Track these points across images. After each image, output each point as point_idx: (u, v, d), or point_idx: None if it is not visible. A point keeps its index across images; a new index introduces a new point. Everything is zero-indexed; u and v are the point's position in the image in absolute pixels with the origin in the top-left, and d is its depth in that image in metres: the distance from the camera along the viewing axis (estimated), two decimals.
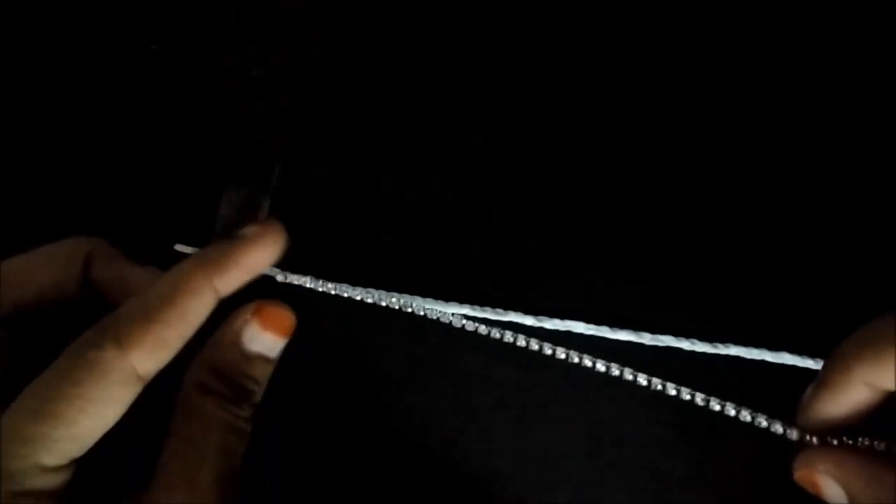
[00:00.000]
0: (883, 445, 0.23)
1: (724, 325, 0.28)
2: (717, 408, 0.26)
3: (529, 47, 0.30)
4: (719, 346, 0.28)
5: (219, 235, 0.30)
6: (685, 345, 0.28)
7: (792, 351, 0.27)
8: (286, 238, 0.26)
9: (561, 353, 0.27)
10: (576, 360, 0.27)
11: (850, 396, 0.22)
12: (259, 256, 0.25)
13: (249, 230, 0.26)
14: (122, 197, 0.31)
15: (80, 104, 0.31)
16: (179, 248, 0.30)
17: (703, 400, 0.26)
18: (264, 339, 0.25)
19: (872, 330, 0.22)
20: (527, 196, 0.30)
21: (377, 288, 0.29)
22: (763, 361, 0.27)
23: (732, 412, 0.25)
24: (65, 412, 0.21)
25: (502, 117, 0.30)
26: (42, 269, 0.25)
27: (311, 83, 0.31)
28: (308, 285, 0.29)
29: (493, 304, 0.29)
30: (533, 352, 0.27)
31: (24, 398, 0.21)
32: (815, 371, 0.27)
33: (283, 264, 0.30)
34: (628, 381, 0.26)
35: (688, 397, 0.26)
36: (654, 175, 0.29)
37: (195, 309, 0.23)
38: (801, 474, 0.23)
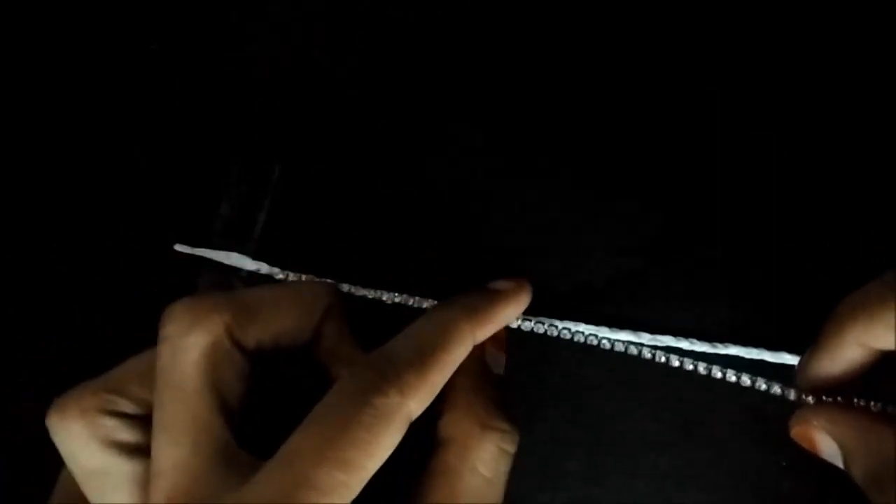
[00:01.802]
0: (878, 406, 0.24)
1: (723, 325, 0.28)
2: (719, 375, 0.27)
3: (529, 46, 0.30)
4: (719, 346, 0.28)
5: (218, 236, 0.30)
6: (685, 345, 0.28)
7: (792, 351, 0.27)
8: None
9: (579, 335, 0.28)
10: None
11: (844, 356, 0.23)
12: (514, 312, 0.26)
13: (504, 285, 0.27)
14: (122, 197, 0.31)
15: (80, 104, 0.31)
16: (179, 248, 0.30)
17: (704, 368, 0.27)
18: (501, 359, 0.26)
19: (865, 291, 0.23)
20: (527, 195, 0.30)
21: (377, 287, 0.29)
22: (763, 361, 0.27)
23: (733, 378, 0.26)
24: (359, 459, 0.20)
25: (503, 116, 0.30)
26: (288, 313, 0.25)
27: (311, 83, 0.31)
28: None
29: None
30: (533, 351, 0.27)
31: (315, 443, 0.21)
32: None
33: (284, 264, 0.30)
34: (626, 381, 0.27)
35: (676, 364, 0.27)
36: (654, 175, 0.29)
37: (460, 357, 0.24)
38: (797, 431, 0.24)
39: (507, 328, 0.27)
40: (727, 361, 0.28)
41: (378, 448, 0.21)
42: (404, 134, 0.30)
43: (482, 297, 0.26)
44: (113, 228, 0.31)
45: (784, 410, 0.28)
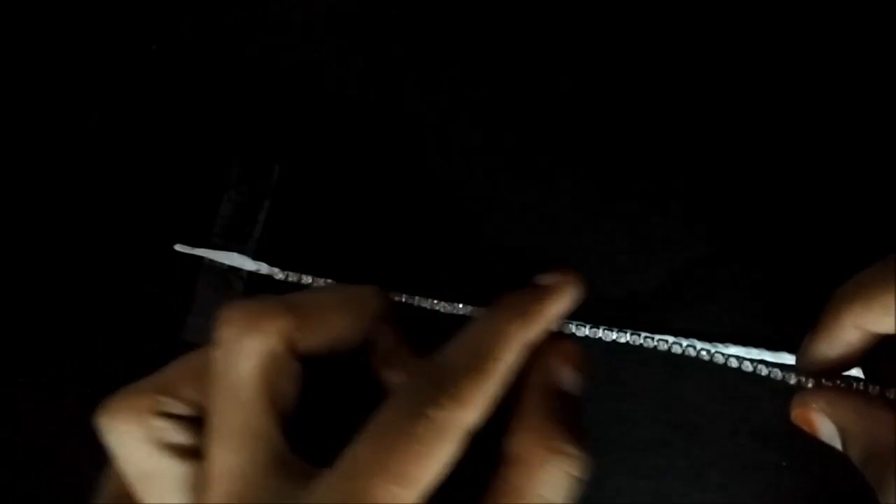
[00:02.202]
0: (876, 389, 0.24)
1: (724, 325, 0.28)
2: (721, 359, 0.27)
3: (529, 46, 0.30)
4: (719, 345, 0.28)
5: (218, 236, 0.30)
6: (685, 345, 0.28)
7: (792, 351, 0.27)
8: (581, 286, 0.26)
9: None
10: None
11: (842, 338, 0.23)
12: (563, 307, 0.26)
13: (549, 279, 0.26)
14: (123, 197, 0.31)
15: (80, 104, 0.31)
16: (179, 248, 0.30)
17: (706, 353, 0.27)
18: (576, 378, 0.25)
19: (862, 276, 0.23)
20: (527, 194, 0.30)
21: (378, 286, 0.29)
22: (763, 361, 0.27)
23: (735, 363, 0.27)
24: (416, 473, 0.20)
25: (503, 116, 0.30)
26: (341, 318, 0.24)
27: (311, 83, 0.31)
28: (309, 284, 0.29)
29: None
30: None
31: (372, 456, 0.20)
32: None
33: (284, 264, 0.30)
34: (627, 381, 0.26)
35: (678, 349, 0.27)
36: (654, 175, 0.29)
37: (514, 362, 0.23)
38: (797, 413, 0.24)
39: (580, 345, 0.26)
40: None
41: (435, 462, 0.20)
42: (404, 134, 0.30)
43: (529, 295, 0.25)
44: (113, 228, 0.31)
45: (784, 411, 0.28)
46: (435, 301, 0.28)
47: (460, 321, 0.28)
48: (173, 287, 0.30)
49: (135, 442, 0.23)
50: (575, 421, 0.23)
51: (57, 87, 0.31)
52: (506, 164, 0.30)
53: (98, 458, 0.29)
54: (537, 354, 0.24)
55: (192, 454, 0.23)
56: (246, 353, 0.22)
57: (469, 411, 0.21)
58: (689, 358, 0.27)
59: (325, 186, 0.30)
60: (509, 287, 0.29)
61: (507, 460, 0.22)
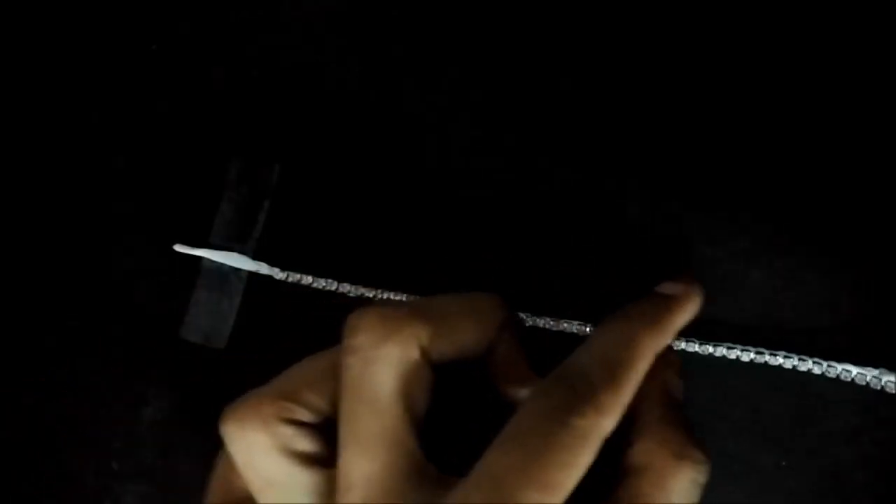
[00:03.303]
0: None
1: (724, 325, 0.28)
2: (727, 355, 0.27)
3: (529, 46, 0.30)
4: (720, 345, 0.28)
5: (218, 236, 0.30)
6: (685, 345, 0.28)
7: (791, 350, 0.27)
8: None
9: None
10: None
11: None
12: (688, 318, 0.26)
13: (675, 289, 0.26)
14: (123, 197, 0.31)
15: (81, 104, 0.31)
16: (179, 248, 0.30)
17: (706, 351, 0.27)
18: (680, 384, 0.25)
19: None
20: (527, 194, 0.30)
21: (378, 286, 0.29)
22: (759, 352, 0.27)
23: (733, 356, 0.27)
24: (560, 481, 0.20)
25: (503, 116, 0.30)
26: (470, 326, 0.24)
27: (311, 83, 0.31)
28: (308, 284, 0.30)
29: None
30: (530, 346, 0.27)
31: (517, 464, 0.21)
32: (816, 372, 0.27)
33: (284, 264, 0.30)
34: None
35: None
36: (655, 175, 0.29)
37: (644, 372, 0.23)
38: None
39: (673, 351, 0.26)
40: (728, 362, 0.28)
41: (577, 469, 0.21)
42: (404, 134, 0.30)
43: (657, 306, 0.25)
44: (113, 228, 0.31)
45: (783, 410, 0.28)
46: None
47: None
48: (173, 287, 0.30)
49: (263, 449, 0.23)
50: (692, 426, 0.23)
51: (57, 87, 0.31)
52: (506, 164, 0.30)
53: (98, 458, 0.29)
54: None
55: (318, 461, 0.23)
56: (385, 361, 0.22)
57: (608, 419, 0.22)
58: (689, 357, 0.27)
59: (325, 186, 0.30)
60: (509, 285, 0.29)
61: (634, 470, 0.22)
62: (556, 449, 0.21)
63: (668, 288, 0.26)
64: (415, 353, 0.23)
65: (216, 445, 0.30)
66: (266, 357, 0.30)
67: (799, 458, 0.28)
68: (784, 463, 0.28)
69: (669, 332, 0.25)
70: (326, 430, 0.23)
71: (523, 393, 0.24)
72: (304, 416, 0.23)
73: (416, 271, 0.30)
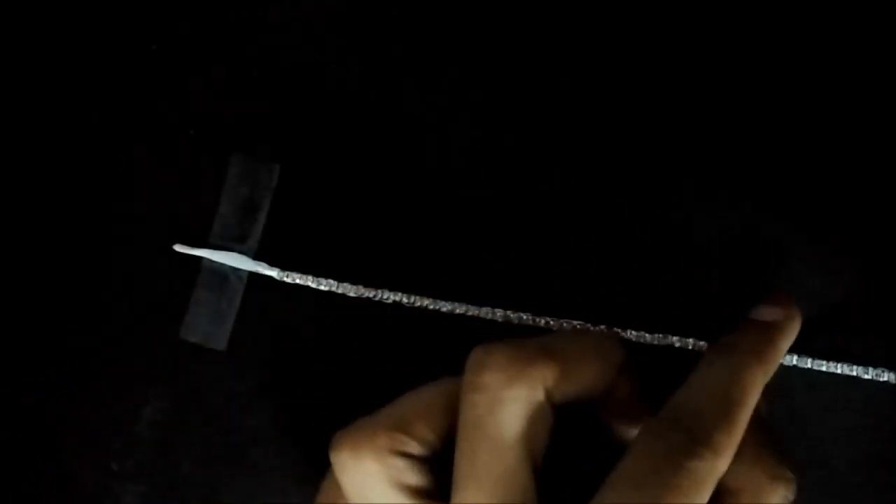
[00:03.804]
0: None
1: (724, 325, 0.28)
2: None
3: (530, 46, 0.30)
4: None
5: (218, 236, 0.30)
6: (685, 346, 0.28)
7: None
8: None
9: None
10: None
11: None
12: (790, 342, 0.26)
13: (773, 314, 0.26)
14: (123, 197, 0.31)
15: (81, 104, 0.31)
16: (179, 248, 0.30)
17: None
18: (762, 403, 0.25)
19: None
20: (528, 194, 0.30)
21: (378, 286, 0.29)
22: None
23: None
24: None
25: (503, 116, 0.30)
26: (593, 367, 0.24)
27: (311, 83, 0.31)
28: (308, 285, 0.29)
29: (493, 302, 0.29)
30: None
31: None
32: (816, 371, 0.28)
33: (284, 264, 0.30)
34: None
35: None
36: (655, 175, 0.29)
37: (754, 405, 0.23)
38: None
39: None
40: None
41: None
42: (404, 134, 0.30)
43: (761, 335, 0.25)
44: (113, 228, 0.31)
45: (784, 412, 0.28)
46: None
47: (466, 327, 0.29)
48: (173, 287, 0.30)
49: (376, 480, 0.23)
50: (781, 446, 0.24)
51: (57, 87, 0.31)
52: (506, 164, 0.30)
53: (98, 458, 0.29)
54: None
55: (425, 495, 0.23)
56: (511, 402, 0.22)
57: (723, 460, 0.22)
58: (689, 357, 0.27)
59: (325, 186, 0.30)
60: (509, 285, 0.29)
61: (730, 492, 0.22)
62: (675, 493, 0.20)
63: (767, 313, 0.26)
64: (540, 395, 0.22)
65: (216, 445, 0.30)
66: (266, 357, 0.30)
67: (799, 458, 0.28)
68: None
69: (776, 361, 0.25)
70: (432, 464, 0.23)
71: (635, 432, 0.24)
72: (416, 449, 0.23)
73: (416, 271, 0.30)
